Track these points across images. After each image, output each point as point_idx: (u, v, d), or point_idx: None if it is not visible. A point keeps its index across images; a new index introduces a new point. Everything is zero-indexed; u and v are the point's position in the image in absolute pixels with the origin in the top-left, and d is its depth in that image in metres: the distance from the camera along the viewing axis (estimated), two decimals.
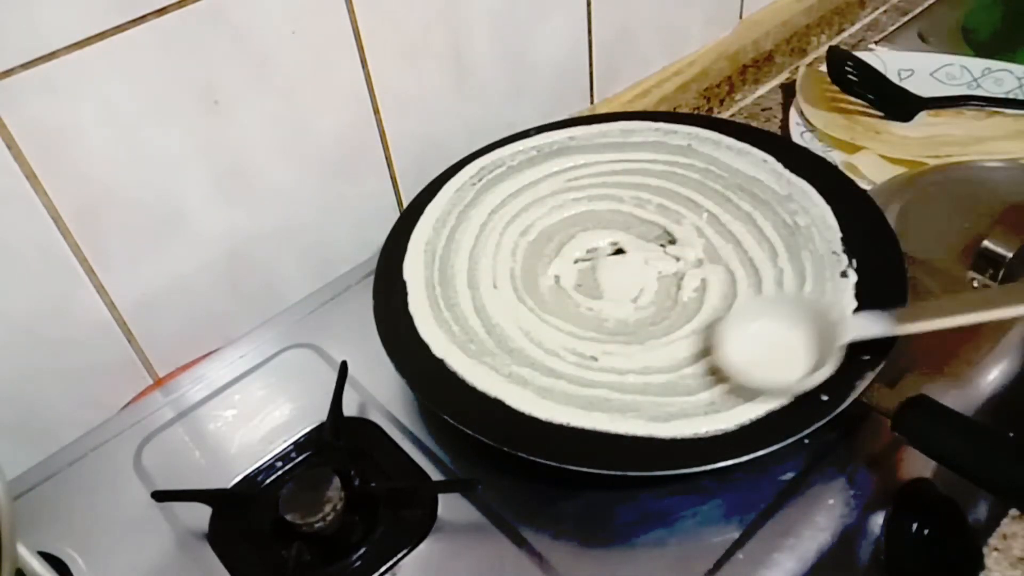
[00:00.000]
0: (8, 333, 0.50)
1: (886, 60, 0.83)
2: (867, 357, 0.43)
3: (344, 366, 0.50)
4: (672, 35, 0.81)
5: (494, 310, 0.50)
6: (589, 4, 0.71)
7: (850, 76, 0.79)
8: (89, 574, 0.44)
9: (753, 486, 0.42)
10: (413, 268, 0.54)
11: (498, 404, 0.45)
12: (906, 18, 0.97)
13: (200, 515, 0.45)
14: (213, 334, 0.59)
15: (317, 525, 0.41)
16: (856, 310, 0.46)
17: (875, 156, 0.72)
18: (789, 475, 0.43)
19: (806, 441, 0.41)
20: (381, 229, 0.57)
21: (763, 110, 0.87)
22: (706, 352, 0.46)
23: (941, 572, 0.43)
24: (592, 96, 0.78)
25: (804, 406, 0.42)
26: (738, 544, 0.40)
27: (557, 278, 0.53)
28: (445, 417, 0.43)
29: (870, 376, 0.42)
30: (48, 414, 0.54)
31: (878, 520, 0.43)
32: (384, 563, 0.42)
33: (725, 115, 0.88)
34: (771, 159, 0.58)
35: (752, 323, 0.46)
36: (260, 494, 0.46)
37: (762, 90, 0.91)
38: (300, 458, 0.48)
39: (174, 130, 0.52)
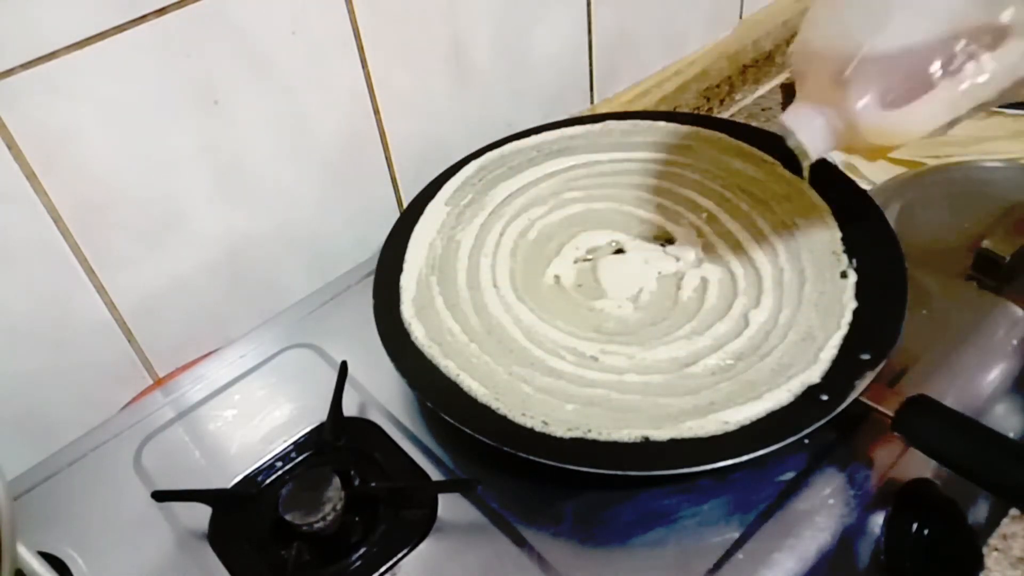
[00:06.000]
0: (8, 333, 0.50)
1: None
2: (867, 357, 0.43)
3: (344, 366, 0.50)
4: (672, 35, 0.81)
5: (494, 310, 0.50)
6: (589, 4, 0.71)
7: None
8: (89, 574, 0.44)
9: (753, 486, 0.42)
10: (413, 268, 0.54)
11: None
12: None
13: (200, 515, 0.45)
14: (213, 334, 0.59)
15: (317, 525, 0.41)
16: (856, 311, 0.46)
17: None
18: (789, 475, 0.43)
19: (806, 441, 0.41)
20: (381, 229, 0.57)
21: (763, 110, 0.87)
22: (706, 352, 0.46)
23: (941, 572, 0.42)
24: (592, 96, 0.78)
25: (804, 406, 0.42)
26: (738, 544, 0.40)
27: (557, 278, 0.53)
28: (445, 417, 0.43)
29: (870, 376, 0.42)
30: (48, 414, 0.54)
31: (878, 520, 0.43)
32: (384, 563, 0.42)
33: (725, 115, 0.88)
34: (771, 159, 0.58)
35: None
36: (260, 494, 0.46)
37: (762, 90, 0.91)
38: (300, 458, 0.48)
39: (174, 130, 0.52)
